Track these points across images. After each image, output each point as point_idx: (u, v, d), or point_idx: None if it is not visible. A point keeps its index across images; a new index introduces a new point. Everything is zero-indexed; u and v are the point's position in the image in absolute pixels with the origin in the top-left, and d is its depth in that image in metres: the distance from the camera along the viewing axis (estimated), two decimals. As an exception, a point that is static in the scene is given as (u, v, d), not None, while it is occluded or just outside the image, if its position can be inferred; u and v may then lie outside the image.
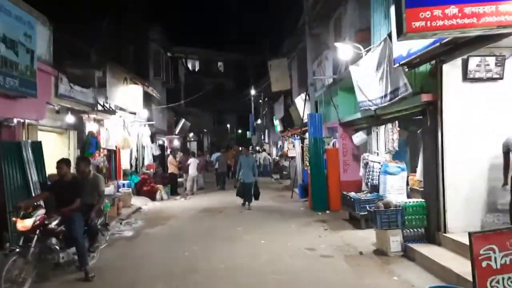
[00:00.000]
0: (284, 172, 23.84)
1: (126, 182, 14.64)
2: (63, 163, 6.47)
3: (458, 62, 6.37)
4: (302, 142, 16.74)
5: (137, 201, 14.00)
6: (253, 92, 36.34)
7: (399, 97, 7.11)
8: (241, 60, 49.24)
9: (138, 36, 17.44)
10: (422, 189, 7.40)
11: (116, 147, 13.59)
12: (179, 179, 18.25)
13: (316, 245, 7.72)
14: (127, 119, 14.30)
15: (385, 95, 7.66)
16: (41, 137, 10.13)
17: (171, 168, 17.17)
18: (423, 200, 6.92)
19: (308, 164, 15.41)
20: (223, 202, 14.25)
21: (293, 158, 24.79)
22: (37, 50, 8.24)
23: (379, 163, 9.54)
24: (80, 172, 6.73)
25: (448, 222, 6.39)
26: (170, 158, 17.43)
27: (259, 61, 34.24)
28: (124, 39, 15.95)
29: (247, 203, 12.69)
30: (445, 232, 6.39)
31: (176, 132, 25.72)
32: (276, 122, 27.41)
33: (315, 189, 11.95)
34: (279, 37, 22.50)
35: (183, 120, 26.05)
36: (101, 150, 12.93)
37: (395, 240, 6.69)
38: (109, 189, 11.79)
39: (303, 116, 15.36)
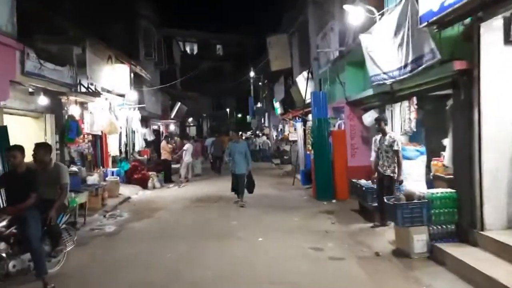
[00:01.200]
0: (285, 157, 22.73)
1: (115, 169, 13.55)
2: (16, 150, 5.32)
3: (498, 22, 5.15)
4: (305, 125, 15.58)
5: (126, 190, 12.90)
6: (252, 74, 35.04)
7: (424, 66, 5.88)
8: (240, 42, 47.83)
9: (125, 10, 16.07)
10: (450, 176, 6.23)
11: (102, 132, 12.42)
12: (176, 165, 17.13)
13: (323, 244, 6.60)
14: (114, 102, 13.10)
15: (405, 65, 6.43)
16: (13, 121, 9.01)
17: (164, 154, 16.02)
18: (453, 190, 5.76)
19: (311, 148, 14.29)
20: (219, 190, 13.12)
21: (294, 142, 23.68)
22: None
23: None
24: (38, 161, 5.57)
25: (485, 217, 5.24)
26: (163, 143, 16.26)
27: (258, 42, 32.89)
28: (110, 14, 14.61)
29: (240, 198, 10.58)
30: (482, 230, 5.24)
31: (172, 116, 24.53)
32: (276, 105, 26.17)
33: (319, 176, 10.80)
34: (278, 11, 21.06)
35: (178, 104, 24.81)
36: (85, 135, 11.80)
37: (419, 239, 5.56)
38: (92, 178, 10.71)
39: (305, 97, 14.14)
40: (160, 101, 21.36)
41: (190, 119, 42.91)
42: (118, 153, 13.99)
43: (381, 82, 7.82)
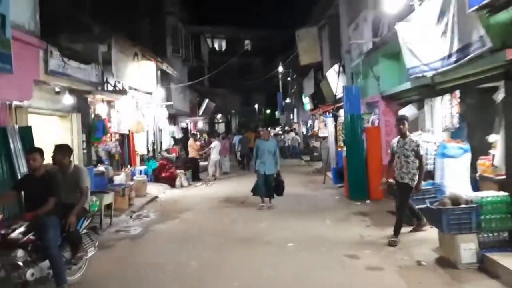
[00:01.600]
0: (314, 154, 22.16)
1: (142, 168, 13.45)
2: (36, 153, 5.11)
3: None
4: (336, 121, 15.02)
5: (154, 189, 12.76)
6: (280, 69, 34.49)
7: (471, 56, 5.29)
8: (269, 36, 47.27)
9: (152, 7, 15.91)
10: (501, 178, 5.61)
11: (129, 131, 12.30)
12: (204, 163, 16.92)
13: (359, 250, 6.12)
14: (141, 100, 12.95)
15: (449, 56, 5.83)
16: (39, 121, 8.94)
17: (192, 152, 15.84)
18: (506, 193, 5.15)
19: (342, 145, 13.73)
20: (247, 189, 12.71)
21: (324, 138, 23.06)
22: (17, 17, 6.91)
23: (435, 143, 7.76)
24: (57, 163, 5.34)
25: (546, 225, 4.63)
26: (190, 141, 16.08)
27: (287, 36, 32.27)
28: (137, 11, 14.47)
29: (266, 201, 9.71)
30: (541, 239, 4.64)
31: (200, 114, 24.38)
32: (305, 100, 25.60)
33: (352, 175, 10.25)
34: (307, 4, 20.39)
35: (206, 100, 24.63)
36: (112, 134, 11.69)
37: (467, 248, 5.00)
38: (119, 178, 10.58)
39: (336, 91, 13.57)
40: (188, 98, 21.21)
41: (219, 116, 42.85)
42: (145, 152, 13.85)
43: (420, 74, 7.22)
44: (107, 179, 9.83)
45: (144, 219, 9.16)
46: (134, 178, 11.79)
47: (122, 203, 9.95)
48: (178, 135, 20.02)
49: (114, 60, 10.05)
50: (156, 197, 11.99)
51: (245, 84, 45.02)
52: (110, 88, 11.45)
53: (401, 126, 6.43)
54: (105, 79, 11.45)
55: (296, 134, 27.86)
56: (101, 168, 10.24)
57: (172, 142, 20.00)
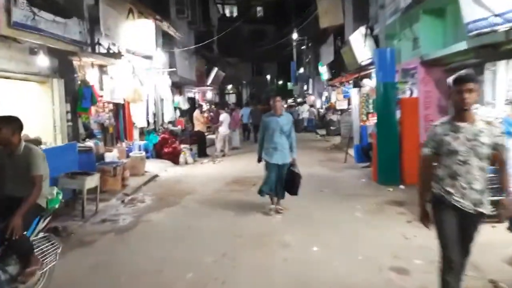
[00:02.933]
0: (331, 128, 20.58)
1: (142, 143, 12.04)
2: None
3: None
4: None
5: (154, 167, 11.38)
6: (295, 36, 32.43)
7: None
8: (283, 1, 44.80)
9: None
10: None
11: (124, 100, 10.80)
12: (212, 136, 15.45)
13: (407, 259, 4.64)
14: (138, 65, 11.38)
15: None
16: (10, 87, 7.51)
17: (198, 125, 14.37)
18: None
19: (364, 119, 12.11)
20: (259, 168, 11.27)
21: (342, 111, 21.38)
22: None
23: (496, 119, 6.11)
24: (3, 142, 3.88)
25: None
26: (196, 113, 14.56)
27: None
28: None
29: (275, 201, 6.97)
30: None
31: (209, 83, 22.74)
32: (322, 69, 23.76)
33: (383, 154, 8.68)
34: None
35: (215, 69, 22.92)
36: (105, 104, 10.22)
37: None
38: (111, 155, 9.15)
39: (361, 58, 11.83)
40: (194, 66, 19.54)
41: (229, 87, 41.20)
42: (145, 125, 12.39)
43: (488, 29, 5.52)
44: (94, 157, 8.40)
45: (137, 205, 7.77)
46: (131, 154, 10.39)
47: (114, 184, 8.58)
48: (184, 105, 18.52)
49: (102, 15, 8.48)
50: (156, 176, 10.61)
51: (256, 53, 43.09)
52: (102, 50, 9.92)
53: (465, 96, 3.04)
54: (97, 40, 9.92)
55: (311, 106, 26.13)
56: (89, 143, 8.82)
57: (178, 114, 18.59)
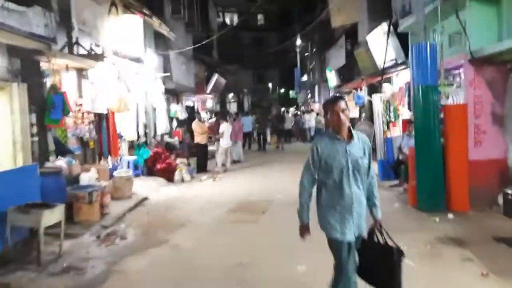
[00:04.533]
0: (342, 138, 18.85)
1: (131, 159, 10.38)
2: None
3: None
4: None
5: (144, 187, 9.71)
6: (298, 41, 30.97)
7: None
8: (284, 8, 43.55)
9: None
10: None
11: (108, 110, 9.15)
12: (212, 148, 13.74)
13: None
14: (125, 69, 9.74)
15: None
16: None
17: (198, 137, 12.69)
18: None
19: (386, 130, 10.44)
20: (268, 188, 9.64)
21: (353, 120, 19.73)
22: None
23: None
24: None
25: None
26: (195, 123, 12.90)
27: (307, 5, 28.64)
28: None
29: None
30: None
31: (208, 90, 21.12)
32: (330, 75, 22.12)
33: (424, 174, 6.97)
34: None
35: (216, 76, 21.31)
36: (84, 115, 8.56)
37: None
38: (88, 177, 7.46)
39: (382, 60, 10.18)
40: (193, 72, 17.93)
41: (231, 95, 39.84)
42: (135, 137, 10.73)
43: None
44: (63, 182, 6.71)
45: (116, 243, 6.07)
46: (115, 174, 8.70)
47: (90, 214, 6.89)
48: (182, 115, 16.86)
49: (74, 4, 6.83)
50: (145, 199, 8.92)
51: (258, 60, 41.78)
52: (83, 51, 8.32)
53: None
54: (75, 39, 8.32)
55: (318, 114, 24.48)
56: (59, 162, 7.15)
57: (175, 124, 16.96)
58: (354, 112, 18.85)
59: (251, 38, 45.72)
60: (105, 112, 9.01)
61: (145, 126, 10.78)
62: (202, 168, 12.53)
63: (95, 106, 8.72)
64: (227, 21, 46.43)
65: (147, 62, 10.82)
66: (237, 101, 42.58)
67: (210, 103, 24.18)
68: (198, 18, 17.53)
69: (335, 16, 13.20)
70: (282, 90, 50.27)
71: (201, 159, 12.63)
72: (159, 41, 12.44)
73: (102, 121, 9.13)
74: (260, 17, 49.78)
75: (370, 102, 14.72)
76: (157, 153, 11.05)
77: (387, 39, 10.09)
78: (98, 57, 8.63)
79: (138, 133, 10.74)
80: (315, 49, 30.01)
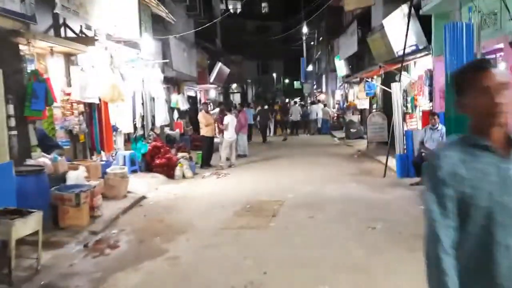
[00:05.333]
0: (351, 130, 18.04)
1: (127, 153, 9.57)
2: None
3: None
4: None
5: (142, 184, 8.92)
6: (305, 29, 29.92)
7: None
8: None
9: None
10: None
11: (100, 99, 8.27)
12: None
13: None
14: (119, 54, 8.85)
15: None
16: None
17: (203, 129, 11.80)
18: None
19: (400, 121, 9.54)
20: (277, 185, 8.79)
21: (363, 111, 18.85)
22: None
23: None
24: None
25: None
26: (201, 115, 12.00)
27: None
28: None
29: None
30: None
31: (211, 80, 20.20)
32: (339, 64, 21.16)
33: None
34: None
35: (219, 64, 20.37)
36: (73, 105, 7.72)
37: None
38: (75, 176, 6.62)
39: (405, 44, 9.23)
40: (195, 60, 17.00)
41: (234, 86, 38.93)
42: (132, 130, 9.88)
43: None
44: (47, 182, 5.87)
45: (105, 253, 5.24)
46: (108, 171, 7.86)
47: (77, 218, 6.08)
48: (184, 106, 16.00)
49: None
50: (142, 198, 8.09)
51: (262, 50, 40.78)
52: (71, 33, 7.45)
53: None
54: (62, 20, 7.45)
55: (325, 105, 23.56)
56: (43, 159, 6.31)
57: (176, 115, 16.11)
58: (365, 103, 17.98)
59: (255, 27, 44.69)
60: (97, 102, 8.14)
61: (143, 118, 9.91)
62: (206, 162, 11.69)
63: (85, 95, 7.84)
64: (230, 8, 45.40)
65: (144, 47, 9.93)
66: (241, 92, 41.66)
67: (213, 93, 23.28)
68: (201, 1, 16.54)
69: (349, -2, 12.24)
70: (287, 81, 49.31)
71: (206, 152, 11.79)
72: (157, 25, 11.51)
73: (93, 112, 8.26)
74: (264, 4, 48.68)
75: (385, 92, 13.83)
76: (156, 147, 10.19)
77: (408, 22, 9.13)
78: (88, 41, 7.77)
79: (134, 125, 9.87)
80: (322, 38, 28.97)
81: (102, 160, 8.30)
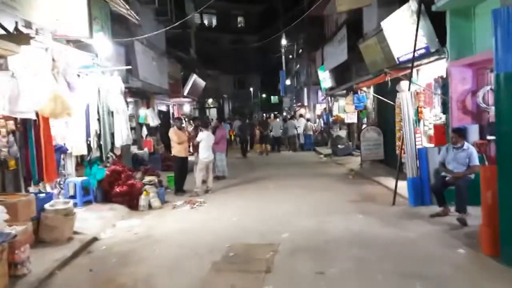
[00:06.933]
0: (339, 146, 16.59)
1: (78, 180, 7.71)
2: None
3: None
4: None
5: (96, 220, 7.12)
6: (284, 41, 28.70)
7: None
8: (266, 11, 41.44)
9: None
10: None
11: (37, 114, 6.40)
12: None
13: None
14: (66, 58, 7.03)
15: None
16: None
17: (175, 148, 10.03)
18: None
19: (412, 137, 8.00)
20: (265, 218, 7.06)
21: (350, 124, 17.45)
22: None
23: None
24: None
25: None
26: (173, 131, 10.22)
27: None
28: None
29: None
30: None
31: (186, 93, 18.45)
32: (323, 76, 19.80)
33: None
34: None
35: (194, 76, 18.66)
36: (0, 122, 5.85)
37: None
38: (-10, 219, 4.71)
39: (414, 46, 7.77)
40: (166, 70, 15.23)
41: (210, 101, 37.53)
42: (85, 151, 8.01)
43: None
44: None
45: None
46: (47, 206, 5.97)
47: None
48: (154, 121, 14.19)
49: None
50: (94, 240, 6.25)
51: (239, 64, 39.68)
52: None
53: None
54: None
55: (308, 120, 22.13)
56: None
57: (145, 132, 14.33)
58: (353, 117, 16.59)
59: (231, 41, 43.52)
60: (33, 117, 6.28)
61: (99, 136, 8.05)
62: (178, 187, 9.90)
63: (17, 109, 5.99)
64: (206, 23, 44.15)
65: (101, 51, 8.13)
66: (217, 107, 40.22)
67: (187, 107, 21.52)
68: (172, 7, 14.85)
69: (340, -1, 10.79)
70: (264, 95, 48.15)
71: (178, 175, 10.00)
72: (120, 27, 9.76)
73: (29, 131, 6.38)
74: (240, 19, 47.75)
75: (379, 104, 12.39)
76: (115, 171, 8.34)
77: (418, 20, 7.70)
78: (21, 39, 5.94)
79: (89, 146, 8.00)
80: (301, 50, 27.75)
81: (40, 193, 6.41)
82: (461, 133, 6.63)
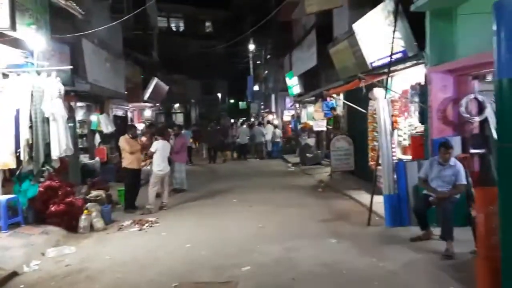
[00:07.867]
0: (308, 155, 15.83)
1: (3, 199, 6.49)
2: None
3: None
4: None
5: (19, 248, 5.92)
6: (252, 47, 27.95)
7: None
8: (234, 17, 40.68)
9: None
10: None
11: None
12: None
13: None
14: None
15: None
16: None
17: (127, 159, 8.91)
18: None
19: (389, 149, 7.25)
20: (223, 244, 6.08)
21: (319, 132, 16.75)
22: None
23: None
24: None
25: None
26: (124, 140, 9.08)
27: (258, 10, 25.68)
28: None
29: None
30: None
31: (146, 97, 17.25)
32: (291, 82, 19.10)
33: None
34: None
35: (155, 80, 17.48)
36: None
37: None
38: None
39: (391, 49, 7.05)
40: (123, 73, 14.02)
41: (177, 106, 36.43)
42: (13, 164, 6.77)
43: None
44: None
45: None
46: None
47: None
48: (108, 128, 12.92)
49: None
50: (13, 275, 5.10)
51: (206, 70, 38.70)
52: None
53: None
54: None
55: (276, 127, 21.34)
56: None
57: (98, 140, 13.06)
58: (322, 125, 15.89)
59: (199, 46, 42.50)
60: None
61: (31, 147, 6.84)
62: (129, 203, 8.78)
63: None
64: (173, 26, 43.05)
65: (36, 48, 6.94)
66: (184, 112, 39.08)
67: (148, 113, 20.28)
68: (130, 5, 13.71)
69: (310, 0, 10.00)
70: (232, 101, 47.33)
71: (129, 190, 8.88)
72: (63, 23, 8.58)
73: None
74: (208, 24, 46.82)
75: (349, 112, 11.70)
76: (50, 188, 7.13)
77: (395, 22, 6.99)
78: None
79: (18, 158, 6.78)
80: (269, 56, 27.04)
81: None
82: (451, 146, 5.87)
